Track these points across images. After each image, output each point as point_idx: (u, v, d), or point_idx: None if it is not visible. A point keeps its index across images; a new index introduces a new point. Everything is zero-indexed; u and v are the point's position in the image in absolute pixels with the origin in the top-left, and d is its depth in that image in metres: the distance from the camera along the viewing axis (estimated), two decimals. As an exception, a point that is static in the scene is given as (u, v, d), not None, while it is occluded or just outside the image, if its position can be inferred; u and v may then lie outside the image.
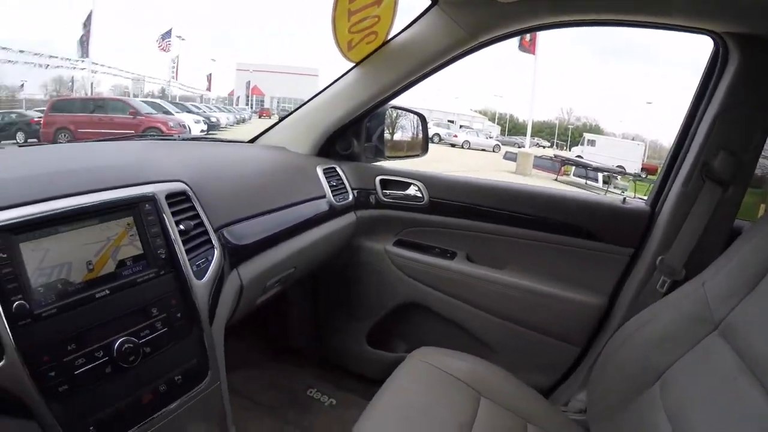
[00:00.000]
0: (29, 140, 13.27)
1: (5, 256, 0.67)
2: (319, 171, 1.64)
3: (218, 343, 0.97)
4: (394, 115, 1.89)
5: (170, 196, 0.95)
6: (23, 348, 0.66)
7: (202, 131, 15.26)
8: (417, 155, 1.88)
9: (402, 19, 1.52)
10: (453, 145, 25.03)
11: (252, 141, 1.80)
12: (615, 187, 15.56)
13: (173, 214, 0.93)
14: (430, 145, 1.93)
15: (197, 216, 1.00)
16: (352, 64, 1.62)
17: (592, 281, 1.53)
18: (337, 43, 1.53)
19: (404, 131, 1.93)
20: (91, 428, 0.71)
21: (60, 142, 11.45)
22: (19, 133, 13.74)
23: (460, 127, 34.21)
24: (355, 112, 1.67)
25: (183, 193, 0.99)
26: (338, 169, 1.74)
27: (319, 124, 1.71)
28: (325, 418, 1.74)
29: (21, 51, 20.34)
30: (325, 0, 1.50)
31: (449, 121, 37.32)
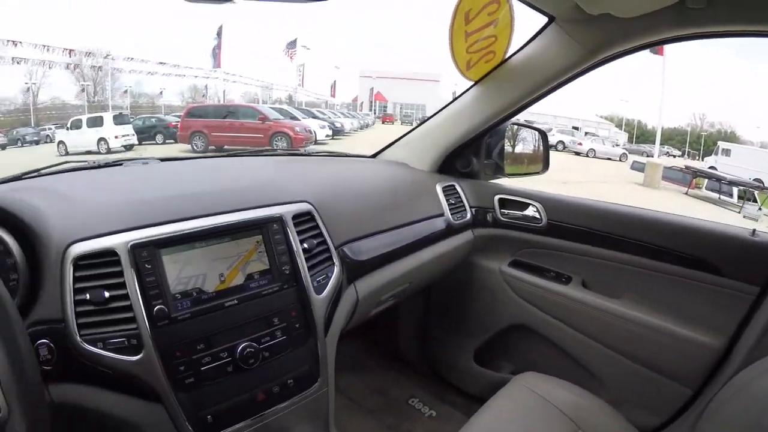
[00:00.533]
0: (167, 141, 15.29)
1: (150, 267, 0.81)
2: (439, 189, 1.68)
3: (330, 352, 1.05)
4: (515, 130, 1.87)
5: (296, 216, 1.04)
6: (159, 345, 0.79)
7: (327, 136, 16.13)
8: (537, 172, 1.84)
9: (519, 35, 1.51)
10: (578, 154, 23.57)
11: (374, 156, 1.88)
12: (751, 204, 13.48)
13: (298, 233, 1.03)
14: (554, 153, 1.87)
15: (320, 234, 1.09)
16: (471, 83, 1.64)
17: (712, 319, 1.38)
18: (455, 62, 1.56)
19: (525, 147, 1.90)
20: (209, 417, 0.83)
21: (195, 145, 12.89)
22: (158, 135, 15.88)
23: (585, 134, 32.07)
24: (475, 130, 1.68)
25: (308, 213, 1.08)
26: (457, 187, 1.76)
27: (439, 141, 1.75)
28: (423, 428, 1.77)
29: (161, 63, 23.19)
30: (446, 11, 1.54)
31: (574, 128, 35.22)
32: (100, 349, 0.76)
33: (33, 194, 0.88)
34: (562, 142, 24.12)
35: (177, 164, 1.33)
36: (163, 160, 1.28)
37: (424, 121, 1.80)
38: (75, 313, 0.75)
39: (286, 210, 1.03)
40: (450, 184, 1.73)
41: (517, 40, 1.51)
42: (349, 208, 1.26)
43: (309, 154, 1.74)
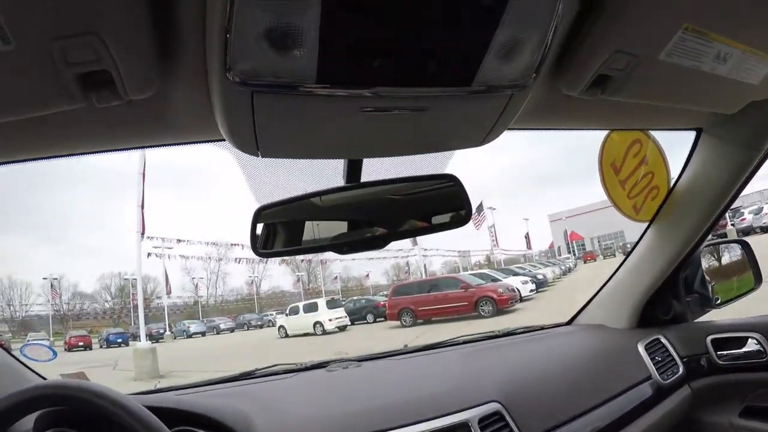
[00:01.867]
0: (377, 319, 16.53)
1: None
2: (641, 348, 1.54)
3: None
4: (710, 252, 1.71)
5: (483, 419, 1.07)
6: None
7: (531, 291, 15.69)
8: (751, 290, 1.63)
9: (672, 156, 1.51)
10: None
11: (570, 322, 1.84)
12: None
13: None
14: (761, 237, 1.61)
15: None
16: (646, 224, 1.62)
17: None
18: (622, 212, 1.59)
19: (727, 266, 1.71)
20: None
21: (403, 321, 13.68)
22: (368, 315, 17.36)
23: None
24: (666, 269, 1.59)
25: (496, 413, 1.10)
26: (662, 340, 1.60)
27: (633, 292, 1.66)
28: None
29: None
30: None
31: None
32: None
33: (244, 402, 1.04)
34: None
35: (372, 367, 1.45)
36: (361, 360, 1.42)
37: (613, 274, 1.75)
38: None
39: (473, 415, 1.06)
40: (653, 339, 1.58)
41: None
42: (543, 395, 1.24)
43: (505, 334, 1.75)
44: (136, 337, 18.68)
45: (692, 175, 1.48)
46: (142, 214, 15.44)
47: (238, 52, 0.56)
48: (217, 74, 0.60)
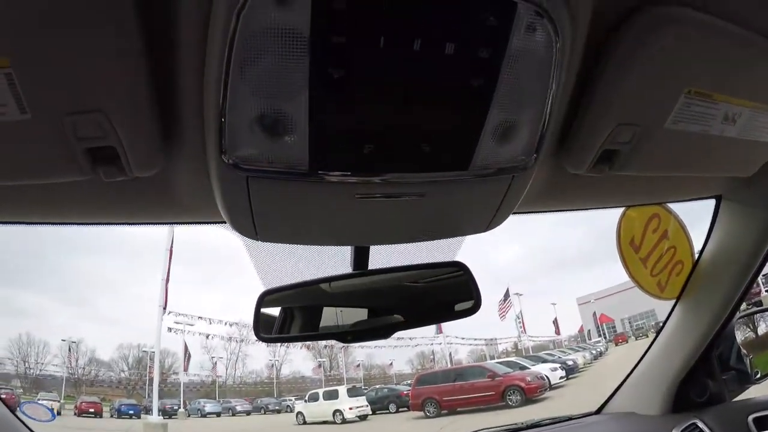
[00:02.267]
0: (400, 409, 15.49)
1: None
2: None
3: None
4: (744, 324, 1.63)
5: None
6: None
7: (561, 378, 14.94)
8: None
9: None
10: None
11: (599, 410, 1.73)
12: None
13: None
14: None
15: None
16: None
17: None
18: (646, 292, 1.54)
19: (765, 336, 1.63)
20: None
21: (427, 411, 12.97)
22: (391, 404, 16.30)
23: None
24: (698, 348, 1.50)
25: None
26: (699, 425, 1.48)
27: (663, 376, 1.57)
28: None
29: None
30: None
31: None
32: None
33: None
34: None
35: None
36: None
37: (642, 358, 1.66)
38: None
39: None
40: (689, 424, 1.47)
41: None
42: None
43: (530, 427, 1.65)
44: (148, 410, 18.21)
45: (717, 245, 1.44)
46: (166, 289, 15.69)
47: (232, 136, 0.58)
48: (214, 158, 0.61)
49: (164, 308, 15.77)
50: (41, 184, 0.69)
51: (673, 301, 1.55)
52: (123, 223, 0.91)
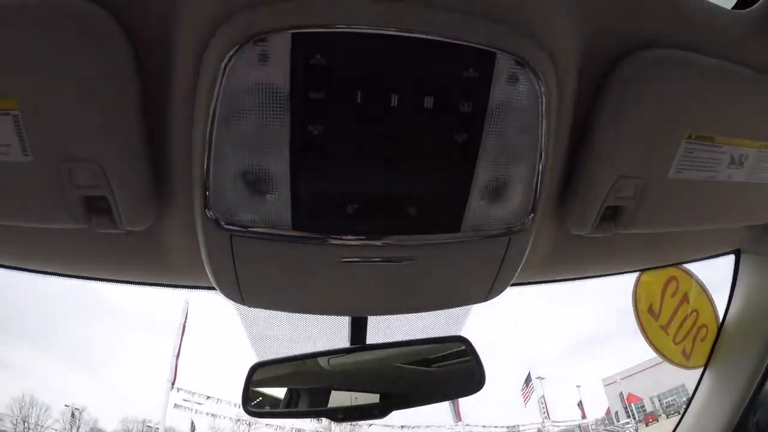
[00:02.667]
0: None
1: None
2: None
3: None
4: None
5: None
6: None
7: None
8: None
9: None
10: None
11: None
12: None
13: None
14: None
15: None
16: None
17: None
18: (670, 362, 1.44)
19: None
20: None
21: None
22: None
23: None
24: (733, 418, 1.38)
25: None
26: None
27: None
28: None
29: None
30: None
31: None
32: None
33: None
34: None
35: None
36: None
37: (686, 407, 1.52)
38: None
39: None
40: None
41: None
42: None
43: None
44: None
45: (741, 303, 1.36)
46: (176, 364, 15.17)
47: (216, 192, 0.58)
48: (200, 214, 0.61)
49: (172, 384, 15.25)
50: (36, 229, 0.69)
51: (701, 370, 1.44)
52: (113, 280, 0.89)
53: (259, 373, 0.94)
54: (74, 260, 0.84)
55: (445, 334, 0.98)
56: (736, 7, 0.82)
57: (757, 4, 0.76)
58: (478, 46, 0.53)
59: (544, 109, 0.58)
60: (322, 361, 0.95)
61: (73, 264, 0.84)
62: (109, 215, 0.63)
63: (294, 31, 0.50)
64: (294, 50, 0.50)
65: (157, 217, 0.68)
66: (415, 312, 0.84)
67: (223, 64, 0.50)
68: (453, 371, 0.98)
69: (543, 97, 0.57)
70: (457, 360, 0.97)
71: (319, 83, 0.52)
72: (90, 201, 0.62)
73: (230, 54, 0.50)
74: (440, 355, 0.99)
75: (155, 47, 0.56)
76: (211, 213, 0.59)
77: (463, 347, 0.96)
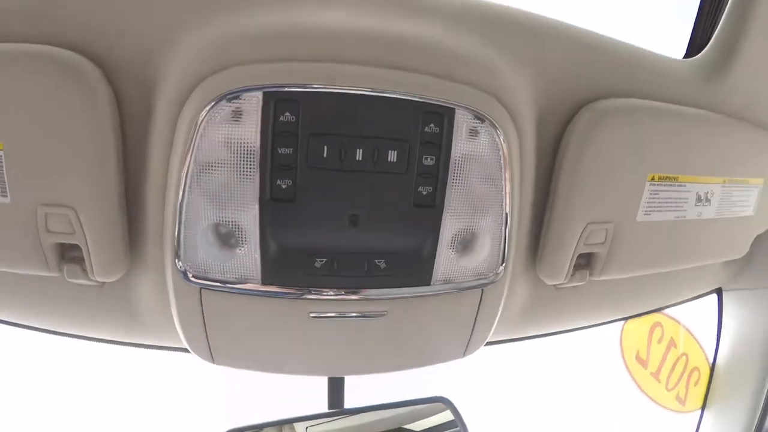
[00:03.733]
0: None
1: None
2: None
3: None
4: None
5: None
6: None
7: None
8: None
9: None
10: None
11: None
12: None
13: None
14: None
15: None
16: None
17: None
18: (665, 408, 1.40)
19: None
20: None
21: None
22: None
23: None
24: None
25: None
26: None
27: None
28: None
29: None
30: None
31: None
32: None
33: None
34: None
35: None
36: None
37: None
38: None
39: None
40: None
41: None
42: None
43: None
44: None
45: (731, 342, 1.33)
46: None
47: (186, 244, 0.58)
48: (170, 266, 0.61)
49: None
50: (8, 273, 0.66)
51: (698, 414, 1.40)
52: (80, 336, 0.83)
53: None
54: (40, 311, 0.80)
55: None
56: (687, 55, 0.88)
57: (702, 51, 0.83)
58: (439, 102, 0.56)
59: (505, 161, 0.60)
60: (299, 428, 0.90)
61: (39, 315, 0.81)
62: (81, 265, 0.62)
63: (265, 90, 0.53)
64: (265, 108, 0.53)
65: (129, 269, 0.66)
66: (392, 370, 0.81)
67: (198, 119, 0.53)
68: None
69: (503, 148, 0.59)
70: (441, 421, 0.92)
71: (287, 139, 0.54)
72: (62, 248, 0.61)
73: (206, 110, 0.53)
74: (421, 417, 0.94)
75: (137, 97, 0.58)
76: (181, 264, 0.59)
77: (446, 408, 0.91)
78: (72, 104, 0.54)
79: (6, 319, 0.80)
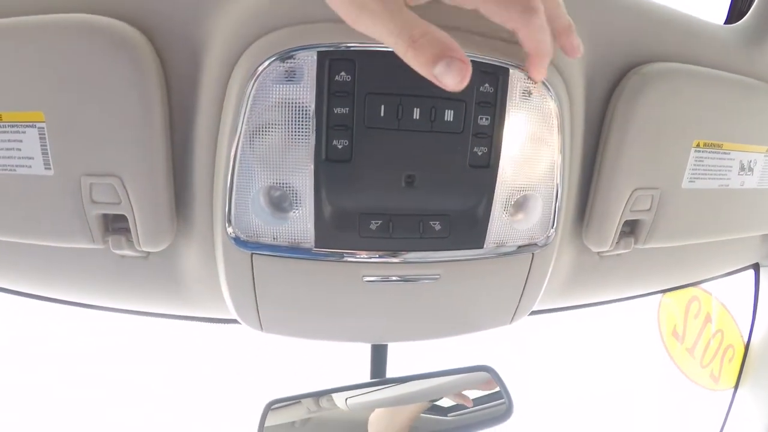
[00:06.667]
0: None
1: None
2: None
3: None
4: None
5: None
6: None
7: None
8: None
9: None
10: None
11: None
12: None
13: None
14: None
15: None
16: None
17: None
18: (699, 385, 1.38)
19: None
20: None
21: None
22: None
23: None
24: None
25: None
26: None
27: None
28: None
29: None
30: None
31: None
32: None
33: None
34: None
35: None
36: None
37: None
38: None
39: None
40: None
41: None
42: None
43: None
44: None
45: (766, 320, 1.31)
46: None
47: (238, 208, 0.57)
48: (220, 233, 0.60)
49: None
50: (42, 250, 0.66)
51: (731, 392, 1.39)
52: (122, 310, 0.83)
53: (274, 412, 0.89)
54: (83, 286, 0.80)
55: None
56: (727, 21, 0.87)
57: (745, 17, 0.81)
58: (493, 62, 0.55)
59: (557, 122, 0.59)
60: (340, 403, 0.90)
61: (82, 290, 0.81)
62: (126, 235, 0.62)
63: (320, 49, 0.52)
64: (320, 67, 0.52)
65: (175, 238, 0.66)
66: (439, 337, 0.81)
67: (251, 80, 0.52)
68: (480, 401, 0.93)
69: (555, 110, 0.59)
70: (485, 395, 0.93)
71: (343, 99, 0.53)
72: (107, 219, 0.61)
73: (259, 70, 0.52)
74: (465, 385, 0.94)
75: (183, 62, 0.57)
76: (232, 230, 0.59)
77: (489, 376, 0.92)
78: (118, 72, 0.54)
79: (49, 296, 0.81)
